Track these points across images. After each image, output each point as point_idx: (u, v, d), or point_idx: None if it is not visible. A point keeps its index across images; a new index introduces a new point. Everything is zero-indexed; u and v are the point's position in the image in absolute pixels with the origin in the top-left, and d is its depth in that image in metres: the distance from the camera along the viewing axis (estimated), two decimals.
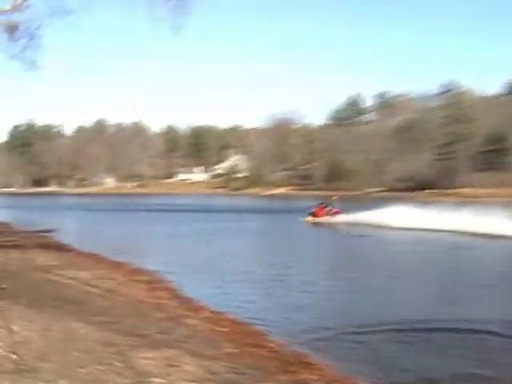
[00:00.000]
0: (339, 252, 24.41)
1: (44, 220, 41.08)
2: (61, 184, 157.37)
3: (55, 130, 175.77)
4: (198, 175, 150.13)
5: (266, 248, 25.48)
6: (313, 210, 37.06)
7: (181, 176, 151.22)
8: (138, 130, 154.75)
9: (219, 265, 18.55)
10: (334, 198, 38.86)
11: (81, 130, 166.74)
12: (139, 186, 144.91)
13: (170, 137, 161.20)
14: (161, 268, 16.92)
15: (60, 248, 20.47)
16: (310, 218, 36.65)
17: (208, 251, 22.56)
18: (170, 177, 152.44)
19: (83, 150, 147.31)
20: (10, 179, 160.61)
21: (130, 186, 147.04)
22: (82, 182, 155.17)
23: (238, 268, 17.85)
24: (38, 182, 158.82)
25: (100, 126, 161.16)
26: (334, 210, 36.66)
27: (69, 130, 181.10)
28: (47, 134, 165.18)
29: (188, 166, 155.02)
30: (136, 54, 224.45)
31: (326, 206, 37.00)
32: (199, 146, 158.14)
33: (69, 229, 34.60)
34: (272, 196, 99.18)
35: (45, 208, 60.28)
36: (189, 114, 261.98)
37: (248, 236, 29.90)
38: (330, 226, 34.64)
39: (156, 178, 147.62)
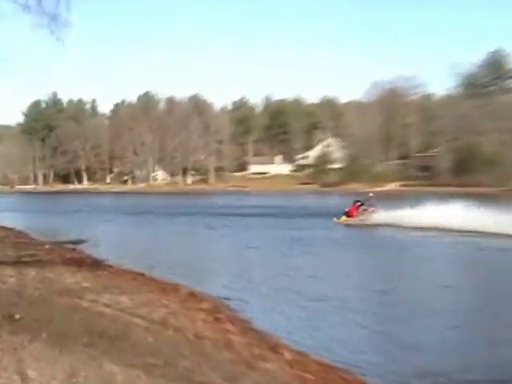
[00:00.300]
0: (445, 268, 23.75)
1: (72, 227, 42.44)
2: (95, 179, 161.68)
3: (87, 107, 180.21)
4: (278, 166, 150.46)
5: (358, 265, 25.12)
6: (347, 209, 41.43)
7: (254, 168, 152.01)
8: (197, 107, 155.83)
9: (300, 287, 18.39)
10: (370, 195, 43.39)
11: (121, 108, 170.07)
12: (200, 182, 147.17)
13: (241, 115, 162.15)
14: (226, 292, 17.01)
15: (93, 264, 20.93)
16: (343, 218, 40.96)
17: (285, 270, 22.42)
18: (240, 169, 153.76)
19: (125, 133, 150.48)
20: (28, 173, 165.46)
21: (187, 182, 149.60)
22: (123, 177, 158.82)
23: (323, 292, 17.63)
24: (65, 178, 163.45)
25: (146, 102, 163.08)
26: (370, 209, 40.89)
27: (105, 107, 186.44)
28: (77, 113, 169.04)
29: (264, 155, 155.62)
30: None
31: (361, 205, 41.40)
32: (279, 127, 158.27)
33: (105, 239, 35.54)
34: (378, 194, 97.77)
35: (73, 211, 62.28)
36: (263, 86, 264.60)
37: (337, 249, 29.56)
38: (367, 227, 38.17)
39: (222, 170, 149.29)
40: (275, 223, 43.41)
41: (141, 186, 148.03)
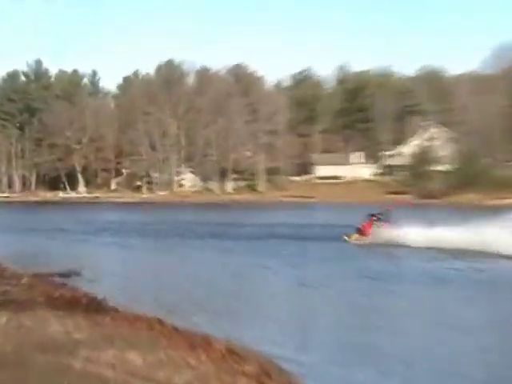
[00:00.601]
0: None
1: (61, 253, 43.21)
2: (96, 185, 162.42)
3: (85, 81, 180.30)
4: (356, 168, 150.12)
5: (454, 308, 25.14)
6: (360, 225, 45.61)
7: (323, 170, 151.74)
8: (240, 82, 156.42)
9: (379, 344, 18.58)
10: (388, 208, 47.72)
11: (133, 83, 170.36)
12: (245, 190, 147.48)
13: (303, 94, 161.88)
14: (277, 348, 17.15)
15: (90, 306, 21.17)
16: (354, 236, 45.24)
17: (359, 318, 22.55)
18: (302, 171, 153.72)
19: (138, 119, 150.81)
20: (0, 176, 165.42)
21: (227, 189, 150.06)
22: (135, 182, 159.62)
23: (411, 350, 17.88)
24: (53, 182, 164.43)
25: (169, 75, 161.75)
26: (383, 225, 44.80)
27: (111, 81, 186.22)
28: (70, 90, 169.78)
29: (336, 152, 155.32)
30: None
31: (377, 219, 45.31)
32: (357, 111, 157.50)
33: (108, 270, 36.08)
34: (503, 208, 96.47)
35: (63, 230, 63.21)
36: (335, 52, 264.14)
37: (428, 287, 29.64)
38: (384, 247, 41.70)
39: (276, 173, 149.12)
40: (348, 250, 43.46)
41: (160, 194, 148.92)
